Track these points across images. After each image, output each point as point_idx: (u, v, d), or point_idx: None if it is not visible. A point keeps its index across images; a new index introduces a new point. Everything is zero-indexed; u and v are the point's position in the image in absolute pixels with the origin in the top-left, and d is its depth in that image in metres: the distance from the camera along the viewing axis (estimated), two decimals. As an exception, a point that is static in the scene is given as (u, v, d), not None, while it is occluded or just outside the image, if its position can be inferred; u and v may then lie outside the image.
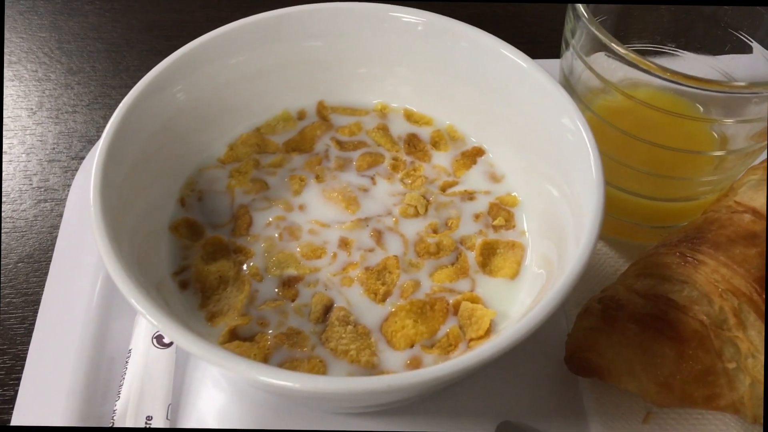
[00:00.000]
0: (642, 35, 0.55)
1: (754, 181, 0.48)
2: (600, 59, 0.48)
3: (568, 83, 0.50)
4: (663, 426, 0.46)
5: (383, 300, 0.45)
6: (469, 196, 0.51)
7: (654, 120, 0.49)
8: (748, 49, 0.52)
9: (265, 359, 0.42)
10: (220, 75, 0.51)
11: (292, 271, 0.46)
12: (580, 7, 0.46)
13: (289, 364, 0.42)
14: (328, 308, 0.44)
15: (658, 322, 0.44)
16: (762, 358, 0.42)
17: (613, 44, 0.44)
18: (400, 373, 0.38)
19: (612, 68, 0.47)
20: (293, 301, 0.45)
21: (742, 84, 0.44)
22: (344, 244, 0.47)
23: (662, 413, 0.46)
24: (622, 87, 0.47)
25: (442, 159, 0.53)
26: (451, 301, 0.45)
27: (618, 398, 0.47)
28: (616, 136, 0.50)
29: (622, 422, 0.46)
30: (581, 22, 0.46)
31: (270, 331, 0.43)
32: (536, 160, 0.49)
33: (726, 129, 0.50)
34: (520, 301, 0.45)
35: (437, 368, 0.34)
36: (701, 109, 0.49)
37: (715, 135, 0.51)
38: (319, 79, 0.54)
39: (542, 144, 0.48)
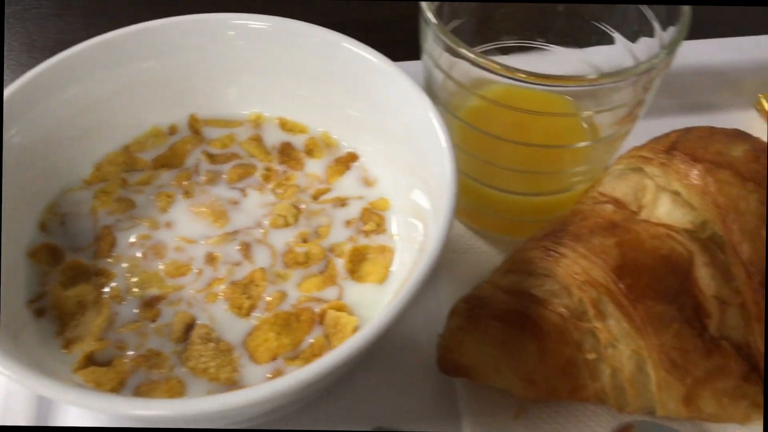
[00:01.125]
0: (511, 32, 0.55)
1: (618, 171, 0.49)
2: (458, 63, 0.48)
3: (429, 89, 0.49)
4: (534, 421, 0.46)
5: (248, 314, 0.44)
6: (342, 202, 0.50)
7: (521, 119, 0.49)
8: (611, 41, 0.53)
9: (122, 383, 0.41)
10: (83, 94, 0.50)
11: (154, 291, 0.45)
12: (425, 7, 0.46)
13: (146, 387, 0.41)
14: (189, 326, 0.44)
15: (518, 317, 0.44)
16: (622, 347, 0.43)
17: (460, 48, 0.44)
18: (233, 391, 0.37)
19: (469, 71, 0.47)
20: (154, 321, 0.44)
21: (592, 77, 0.44)
22: (211, 259, 0.47)
23: (535, 408, 0.46)
24: (485, 88, 0.48)
25: (315, 167, 0.53)
26: (317, 311, 0.45)
27: (492, 396, 0.46)
28: (487, 140, 0.50)
29: (494, 420, 0.46)
30: (429, 25, 0.46)
31: (129, 354, 0.42)
32: (403, 163, 0.49)
33: (593, 119, 0.50)
34: (386, 305, 0.45)
35: (259, 388, 0.34)
36: (570, 101, 0.50)
37: (585, 125, 0.51)
38: (189, 93, 0.54)
39: (406, 146, 0.48)
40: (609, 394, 0.43)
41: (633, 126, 0.50)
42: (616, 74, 0.44)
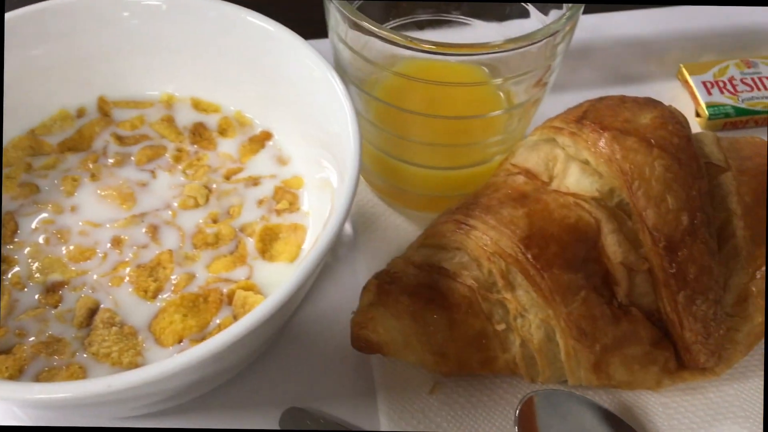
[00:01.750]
0: (425, 5, 0.55)
1: (531, 142, 0.49)
2: (370, 40, 0.47)
3: (339, 67, 0.49)
4: (450, 395, 0.45)
5: (154, 297, 0.43)
6: (254, 181, 0.49)
7: (436, 92, 0.49)
8: (527, 14, 0.53)
9: (20, 371, 0.40)
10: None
11: (57, 277, 0.44)
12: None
13: (47, 374, 0.40)
14: (93, 311, 0.43)
15: (427, 291, 0.43)
16: (530, 317, 0.42)
17: (362, 22, 0.43)
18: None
19: (381, 48, 0.47)
20: (56, 307, 0.43)
21: (497, 43, 0.44)
22: (116, 242, 0.46)
23: (450, 382, 0.46)
24: (399, 65, 0.47)
25: (228, 146, 0.52)
26: (225, 291, 0.44)
27: (408, 373, 0.46)
28: (404, 116, 0.50)
29: (409, 396, 0.45)
30: (332, 2, 0.45)
31: (29, 340, 0.41)
32: (315, 140, 0.48)
33: (504, 87, 0.50)
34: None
35: (161, 363, 0.33)
36: (482, 70, 0.50)
37: (498, 93, 0.51)
38: (97, 75, 0.52)
39: (316, 124, 0.47)
40: (520, 364, 0.43)
41: (544, 93, 0.49)
42: (521, 39, 0.43)
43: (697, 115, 0.61)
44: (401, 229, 0.53)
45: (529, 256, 0.42)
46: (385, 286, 0.44)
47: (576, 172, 0.45)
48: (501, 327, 0.43)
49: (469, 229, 0.44)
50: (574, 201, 0.44)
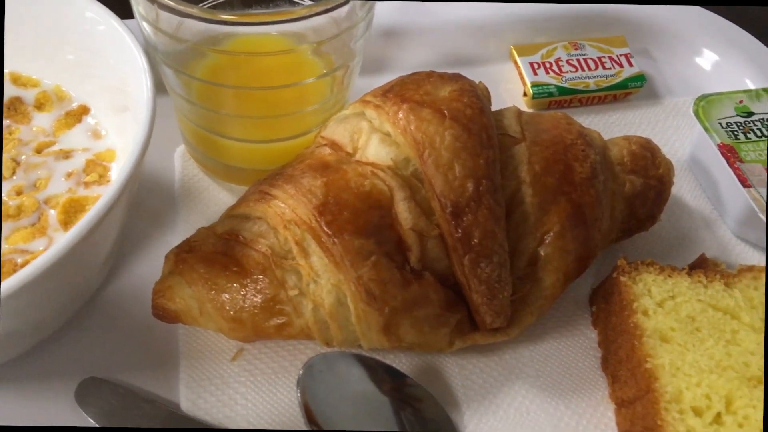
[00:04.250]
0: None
1: (342, 115, 0.50)
2: (184, 21, 0.47)
3: (153, 50, 0.49)
4: (252, 361, 0.46)
5: (-56, 269, 0.43)
6: (65, 155, 0.49)
7: (254, 66, 0.50)
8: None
9: None
10: None
11: None
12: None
13: None
14: None
15: (223, 258, 0.44)
16: (323, 282, 0.43)
17: (172, 3, 0.44)
18: None
19: (193, 27, 0.47)
20: None
21: (297, 9, 0.45)
22: None
23: (254, 349, 0.47)
24: (223, 43, 0.48)
25: (43, 120, 0.51)
26: (20, 261, 0.43)
27: (212, 341, 0.47)
28: (221, 92, 0.50)
29: (211, 364, 0.46)
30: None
31: None
32: (126, 115, 0.48)
33: (315, 53, 0.51)
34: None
35: None
36: (291, 39, 0.51)
37: (315, 63, 0.52)
38: None
39: (126, 99, 0.47)
40: (313, 328, 0.44)
41: (355, 60, 0.51)
42: (317, 5, 0.45)
43: (525, 94, 0.63)
44: (223, 204, 0.54)
45: (322, 222, 0.43)
46: (182, 255, 0.45)
47: (376, 143, 0.46)
48: (294, 293, 0.44)
49: (271, 199, 0.45)
50: (371, 170, 0.45)
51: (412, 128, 0.45)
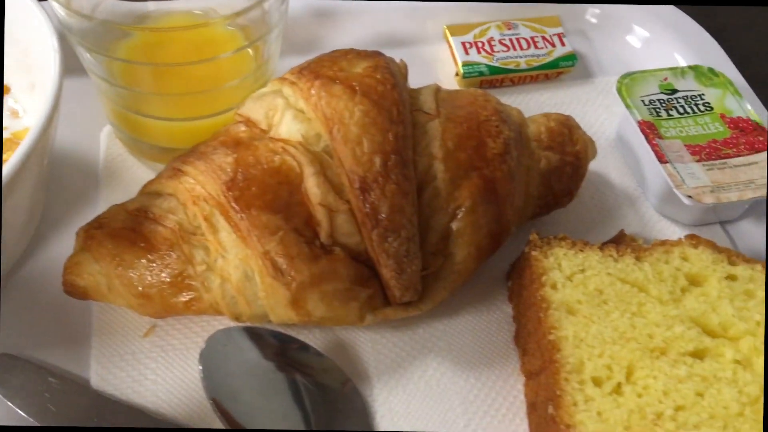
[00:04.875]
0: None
1: (260, 93, 0.50)
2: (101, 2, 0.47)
3: (70, 31, 0.49)
4: (164, 337, 0.46)
5: None
6: (-17, 133, 0.49)
7: (170, 42, 0.50)
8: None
9: None
10: None
11: None
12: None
13: None
14: None
15: (131, 234, 0.44)
16: (230, 257, 0.44)
17: None
18: None
19: (113, 8, 0.47)
20: None
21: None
22: None
23: (167, 326, 0.47)
24: (147, 22, 0.48)
25: (-38, 100, 0.51)
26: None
27: (127, 318, 0.47)
28: (144, 71, 0.51)
29: (123, 340, 0.46)
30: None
31: None
32: (42, 93, 0.48)
33: (232, 27, 0.52)
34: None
35: None
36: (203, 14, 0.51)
37: (235, 35, 0.52)
38: None
39: (34, 77, 0.47)
40: (221, 303, 0.44)
41: (271, 35, 0.51)
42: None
43: (457, 74, 0.63)
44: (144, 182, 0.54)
45: (230, 198, 0.43)
46: (91, 231, 0.45)
47: (288, 120, 0.47)
48: (201, 268, 0.44)
49: (182, 175, 0.45)
50: (282, 146, 0.46)
51: (322, 104, 0.45)
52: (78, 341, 0.46)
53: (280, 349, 0.45)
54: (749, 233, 0.55)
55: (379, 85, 0.46)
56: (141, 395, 0.44)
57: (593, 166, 0.56)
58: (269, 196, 0.44)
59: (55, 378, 0.43)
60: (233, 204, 0.43)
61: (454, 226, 0.47)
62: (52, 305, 0.47)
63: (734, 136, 0.54)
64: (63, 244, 0.50)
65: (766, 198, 0.51)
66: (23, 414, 0.41)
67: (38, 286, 0.48)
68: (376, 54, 0.50)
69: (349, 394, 0.44)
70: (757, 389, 0.42)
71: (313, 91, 0.46)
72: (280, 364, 0.44)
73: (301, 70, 0.48)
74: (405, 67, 0.51)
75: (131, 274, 0.44)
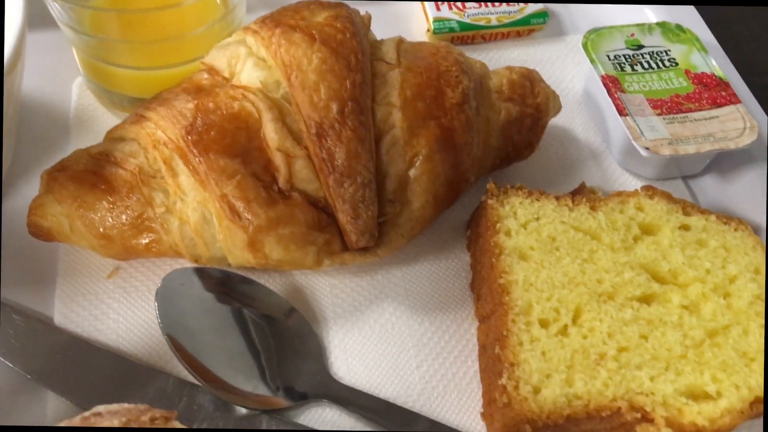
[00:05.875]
0: None
1: (225, 43, 0.50)
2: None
3: None
4: (127, 279, 0.48)
5: None
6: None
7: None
8: None
9: None
10: None
11: None
12: None
13: None
14: None
15: (92, 177, 0.45)
16: (189, 200, 0.45)
17: None
18: None
19: None
20: None
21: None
22: None
23: (130, 268, 0.48)
24: None
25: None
26: None
27: (91, 260, 0.48)
28: (110, 18, 0.52)
29: (87, 281, 0.47)
30: None
31: None
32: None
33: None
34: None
35: None
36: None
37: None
38: None
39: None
40: (180, 245, 0.45)
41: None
42: None
43: (428, 30, 0.64)
44: (113, 131, 0.55)
45: (189, 142, 0.44)
46: (54, 173, 0.46)
47: (249, 67, 0.47)
48: (161, 210, 0.45)
49: (144, 120, 0.46)
50: (242, 93, 0.46)
51: (281, 51, 0.46)
52: (43, 282, 0.47)
53: (229, 286, 0.46)
54: (710, 188, 0.55)
55: (339, 33, 0.47)
56: (102, 333, 0.45)
57: (559, 121, 0.57)
58: (227, 140, 0.45)
59: (18, 315, 0.45)
60: (192, 148, 0.44)
61: (412, 173, 0.47)
62: (20, 247, 0.48)
63: (697, 91, 0.55)
64: (31, 190, 0.51)
65: (725, 151, 0.52)
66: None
67: (7, 230, 0.49)
68: (339, 4, 0.50)
69: (295, 323, 0.46)
70: (702, 333, 0.43)
71: (273, 39, 0.47)
72: (228, 300, 0.45)
73: (264, 20, 0.49)
74: (369, 18, 0.51)
75: (92, 216, 0.45)
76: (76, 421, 0.33)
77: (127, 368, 0.43)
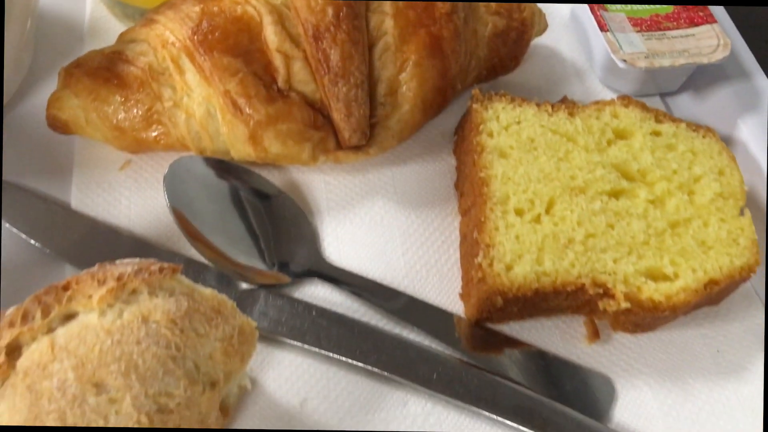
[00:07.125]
0: None
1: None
2: None
3: None
4: (138, 171, 0.52)
5: None
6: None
7: None
8: None
9: None
10: None
11: None
12: None
13: None
14: None
15: (106, 73, 0.49)
16: (195, 95, 0.48)
17: None
18: None
19: None
20: None
21: None
22: None
23: (141, 161, 0.52)
24: None
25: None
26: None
27: (105, 153, 0.52)
28: None
29: (101, 171, 0.51)
30: None
31: None
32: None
33: None
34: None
35: None
36: None
37: None
38: None
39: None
40: (187, 138, 0.49)
41: None
42: None
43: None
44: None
45: (195, 42, 0.48)
46: (71, 69, 0.50)
47: (252, -26, 0.51)
48: (169, 104, 0.49)
49: (154, 23, 0.50)
50: (245, -2, 0.50)
51: (281, -42, 0.49)
52: (61, 172, 0.51)
53: (229, 172, 0.50)
54: (686, 105, 0.59)
55: (336, -57, 0.50)
56: (115, 218, 0.49)
57: (546, 40, 0.60)
58: (231, 41, 0.48)
59: (38, 199, 0.49)
60: (198, 47, 0.48)
61: (402, 78, 0.51)
62: (38, 142, 0.52)
63: (677, 11, 0.58)
64: (48, 91, 0.55)
65: (699, 65, 0.55)
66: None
67: (27, 126, 0.53)
68: None
69: (290, 208, 0.50)
70: (665, 224, 0.47)
71: (274, -52, 0.50)
72: (227, 178, 0.49)
73: (265, -66, 0.52)
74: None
75: (106, 108, 0.49)
76: (93, 270, 0.37)
77: (141, 246, 0.48)
